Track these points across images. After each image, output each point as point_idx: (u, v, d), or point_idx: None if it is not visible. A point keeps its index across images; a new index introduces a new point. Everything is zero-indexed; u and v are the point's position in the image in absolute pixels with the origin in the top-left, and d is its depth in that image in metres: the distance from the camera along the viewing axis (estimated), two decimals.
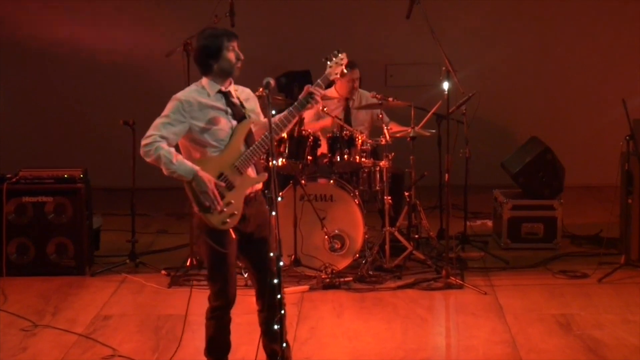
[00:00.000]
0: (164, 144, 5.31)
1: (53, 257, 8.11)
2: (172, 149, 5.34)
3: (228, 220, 5.42)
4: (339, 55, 5.83)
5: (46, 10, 11.71)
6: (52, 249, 8.10)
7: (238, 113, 5.53)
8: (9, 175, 8.20)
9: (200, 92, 5.47)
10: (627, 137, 8.00)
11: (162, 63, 8.34)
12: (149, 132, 5.35)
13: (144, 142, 5.33)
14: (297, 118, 5.67)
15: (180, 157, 5.37)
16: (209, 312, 5.65)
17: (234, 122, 5.50)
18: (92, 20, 11.71)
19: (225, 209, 5.39)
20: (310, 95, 5.58)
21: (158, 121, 5.38)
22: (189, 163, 5.36)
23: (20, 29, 11.71)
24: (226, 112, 5.49)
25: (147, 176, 9.94)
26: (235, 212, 5.41)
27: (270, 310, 5.49)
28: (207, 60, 5.47)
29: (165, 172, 5.36)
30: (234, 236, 5.50)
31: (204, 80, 5.51)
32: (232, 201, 5.43)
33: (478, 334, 6.69)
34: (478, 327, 6.82)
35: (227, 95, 5.52)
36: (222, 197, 5.38)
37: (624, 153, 8.15)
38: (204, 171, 5.36)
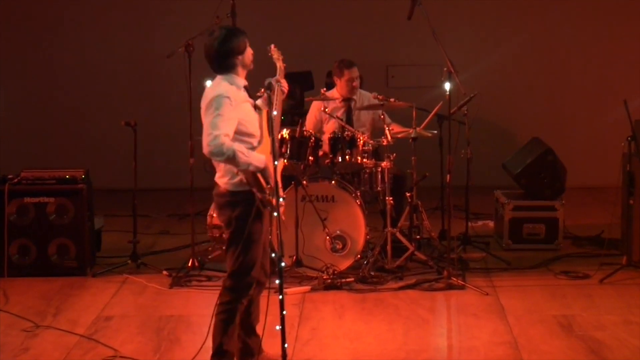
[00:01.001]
0: (230, 141, 5.43)
1: (54, 258, 8.11)
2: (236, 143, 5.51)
3: (282, 202, 5.64)
4: (271, 48, 6.19)
5: (47, 12, 11.72)
6: (53, 249, 8.10)
7: (256, 105, 5.77)
8: (10, 176, 8.20)
9: (234, 87, 5.62)
10: (629, 138, 8.00)
11: (164, 64, 8.33)
12: (212, 132, 5.40)
13: (213, 142, 5.38)
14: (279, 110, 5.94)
15: (244, 147, 5.53)
16: (227, 304, 5.72)
17: (257, 114, 5.75)
18: (93, 20, 11.72)
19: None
20: (278, 82, 5.92)
21: (215, 120, 5.43)
22: (256, 153, 5.56)
23: (22, 30, 11.71)
24: (251, 105, 5.73)
25: (149, 177, 10.02)
26: (284, 195, 5.65)
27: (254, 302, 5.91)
28: (234, 57, 5.64)
29: (238, 166, 5.50)
30: (284, 218, 5.73)
31: (228, 77, 5.65)
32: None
33: (479, 334, 6.69)
34: (479, 328, 6.82)
35: (248, 90, 5.74)
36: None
37: (626, 154, 8.15)
38: None
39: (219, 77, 5.69)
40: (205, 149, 5.43)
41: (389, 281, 7.80)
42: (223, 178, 5.70)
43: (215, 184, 5.80)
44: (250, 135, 5.64)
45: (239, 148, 5.44)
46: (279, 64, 6.14)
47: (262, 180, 5.53)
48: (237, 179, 5.60)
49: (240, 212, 5.60)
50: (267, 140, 5.69)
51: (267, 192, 5.54)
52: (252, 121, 5.67)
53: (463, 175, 8.56)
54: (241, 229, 5.60)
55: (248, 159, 5.47)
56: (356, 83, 8.60)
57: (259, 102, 5.89)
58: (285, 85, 6.06)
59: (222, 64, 5.65)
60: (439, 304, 7.42)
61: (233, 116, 5.49)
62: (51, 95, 11.81)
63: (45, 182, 8.16)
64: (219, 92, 5.52)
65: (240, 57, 5.65)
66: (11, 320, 7.03)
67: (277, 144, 5.56)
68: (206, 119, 5.50)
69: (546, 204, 8.86)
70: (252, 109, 5.71)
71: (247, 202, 5.59)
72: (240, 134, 5.57)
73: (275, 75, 6.04)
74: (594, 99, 11.59)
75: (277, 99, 5.87)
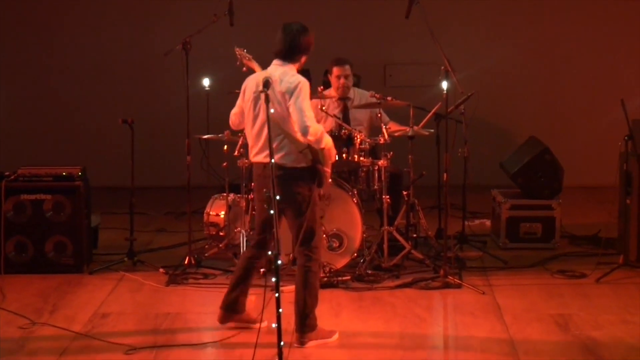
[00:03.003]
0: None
1: (51, 255, 8.11)
2: None
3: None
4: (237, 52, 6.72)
5: (44, 11, 11.71)
6: (50, 247, 8.10)
7: None
8: (7, 173, 8.19)
9: None
10: (626, 138, 8.00)
11: (161, 62, 8.33)
12: (313, 118, 6.15)
13: (317, 130, 6.14)
14: None
15: None
16: (314, 264, 6.34)
17: None
18: (90, 19, 11.72)
19: None
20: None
21: (309, 104, 6.14)
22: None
23: (18, 29, 11.71)
24: None
25: (146, 175, 10.01)
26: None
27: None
28: (303, 53, 6.30)
29: (326, 145, 6.24)
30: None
31: (292, 68, 6.27)
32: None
33: (476, 333, 6.69)
34: (476, 327, 6.82)
35: None
36: None
37: (623, 153, 8.15)
38: None
39: (287, 65, 6.27)
40: (309, 133, 6.08)
41: (386, 280, 7.80)
42: (289, 156, 6.21)
43: (265, 165, 6.17)
44: None
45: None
46: (251, 64, 6.61)
47: (321, 156, 6.25)
48: (301, 156, 6.20)
49: (308, 183, 6.23)
50: None
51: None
52: None
53: (460, 174, 8.57)
54: (309, 198, 6.23)
55: (326, 137, 6.28)
56: (344, 81, 8.52)
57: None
58: None
59: (296, 52, 6.27)
60: (435, 302, 7.42)
61: None
62: (48, 93, 11.81)
63: (42, 179, 8.15)
64: (303, 80, 6.18)
65: (305, 56, 6.31)
66: (8, 317, 7.02)
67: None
68: (299, 104, 6.10)
69: (543, 203, 8.87)
70: None
71: (312, 174, 6.24)
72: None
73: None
74: (592, 98, 11.60)
75: None
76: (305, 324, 6.36)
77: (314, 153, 6.22)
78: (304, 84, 6.16)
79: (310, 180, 6.25)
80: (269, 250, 6.47)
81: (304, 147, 6.19)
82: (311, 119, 6.13)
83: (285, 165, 6.19)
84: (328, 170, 6.40)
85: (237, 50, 6.61)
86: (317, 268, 6.41)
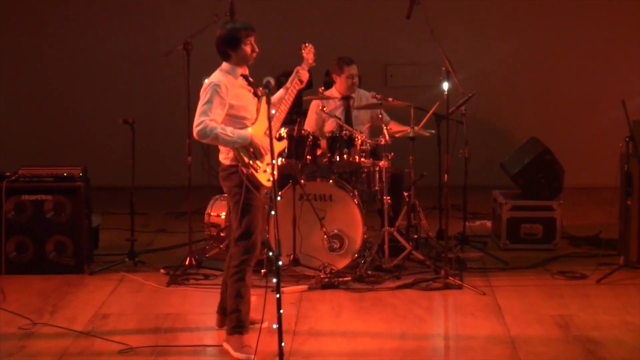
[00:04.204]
0: (214, 124, 6.09)
1: (52, 256, 8.11)
2: (223, 125, 6.16)
3: (271, 177, 6.11)
4: (306, 45, 6.93)
5: (45, 11, 11.71)
6: (51, 247, 8.10)
7: (256, 92, 6.34)
8: (8, 174, 8.19)
9: (228, 76, 6.27)
10: (627, 138, 8.00)
11: (162, 62, 8.33)
12: (198, 119, 6.12)
13: (197, 128, 6.10)
14: (292, 96, 6.69)
15: (231, 128, 6.17)
16: (236, 267, 6.27)
17: (256, 99, 6.34)
18: (91, 18, 11.71)
19: (267, 169, 6.24)
20: (297, 73, 6.72)
21: (203, 108, 6.14)
22: (242, 131, 6.20)
23: (19, 29, 11.71)
24: (249, 92, 6.34)
25: (147, 175, 9.98)
26: (275, 172, 5.85)
27: None
28: (226, 49, 6.29)
29: (225, 144, 6.19)
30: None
31: (227, 66, 6.31)
32: (270, 162, 6.05)
33: (477, 334, 6.69)
34: (477, 328, 6.82)
35: (247, 78, 6.35)
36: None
37: (624, 154, 8.15)
38: None
39: (222, 65, 6.34)
40: (194, 133, 6.14)
41: (387, 280, 7.80)
42: (221, 154, 6.36)
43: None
44: (243, 117, 6.27)
45: (222, 130, 6.10)
46: (307, 57, 6.86)
47: (244, 157, 6.15)
48: (231, 154, 6.26)
49: (236, 182, 6.23)
50: (264, 122, 6.19)
51: (256, 168, 6.19)
52: (247, 105, 6.30)
53: (461, 174, 8.57)
54: (239, 197, 6.22)
55: (232, 137, 6.13)
56: (356, 80, 8.61)
57: (280, 92, 6.61)
58: (304, 75, 6.75)
59: (220, 52, 6.33)
60: (436, 303, 7.42)
61: (222, 103, 6.16)
62: (49, 93, 11.80)
63: (43, 180, 8.16)
64: (212, 81, 6.23)
65: (230, 50, 6.28)
66: (8, 317, 7.02)
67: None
68: (198, 105, 6.20)
69: (544, 204, 8.86)
70: (248, 95, 6.32)
71: (238, 174, 6.27)
72: (234, 117, 6.23)
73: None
74: (593, 99, 11.60)
75: (294, 88, 6.66)
76: (230, 324, 6.35)
77: (234, 152, 6.22)
78: (209, 85, 6.20)
79: (236, 179, 6.25)
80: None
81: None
82: (198, 121, 6.11)
83: (226, 165, 6.37)
84: (253, 172, 6.20)
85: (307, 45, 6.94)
86: (240, 275, 6.29)
